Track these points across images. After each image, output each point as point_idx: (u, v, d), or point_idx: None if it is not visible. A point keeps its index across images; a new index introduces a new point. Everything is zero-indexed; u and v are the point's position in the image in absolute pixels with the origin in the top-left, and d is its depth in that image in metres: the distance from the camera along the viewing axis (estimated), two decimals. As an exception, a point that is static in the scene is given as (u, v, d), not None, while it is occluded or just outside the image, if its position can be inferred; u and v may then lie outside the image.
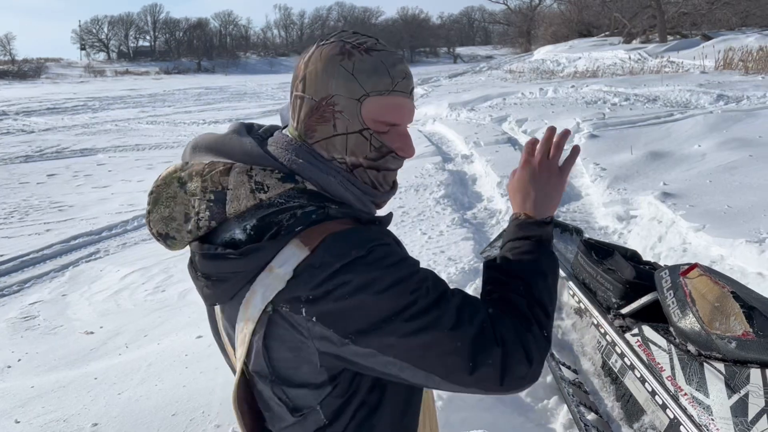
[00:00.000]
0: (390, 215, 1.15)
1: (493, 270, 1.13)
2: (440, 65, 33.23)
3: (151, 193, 1.09)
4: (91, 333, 4.62)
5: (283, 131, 1.12)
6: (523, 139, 10.48)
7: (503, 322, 1.00)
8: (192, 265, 1.07)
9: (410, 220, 6.52)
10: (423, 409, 1.22)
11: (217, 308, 1.13)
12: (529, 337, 1.00)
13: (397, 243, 1.07)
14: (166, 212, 1.06)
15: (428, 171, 8.62)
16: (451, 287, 1.03)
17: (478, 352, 0.96)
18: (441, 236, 5.96)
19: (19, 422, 3.28)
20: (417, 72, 26.39)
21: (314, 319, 0.93)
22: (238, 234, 1.00)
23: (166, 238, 1.08)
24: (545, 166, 1.19)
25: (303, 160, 1.05)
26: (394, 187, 1.16)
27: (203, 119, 18.96)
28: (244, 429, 1.15)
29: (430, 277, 1.01)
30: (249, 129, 1.15)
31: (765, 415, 1.76)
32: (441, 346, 0.95)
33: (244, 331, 1.01)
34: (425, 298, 0.96)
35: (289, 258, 0.95)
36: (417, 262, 1.01)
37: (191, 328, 4.42)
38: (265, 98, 26.30)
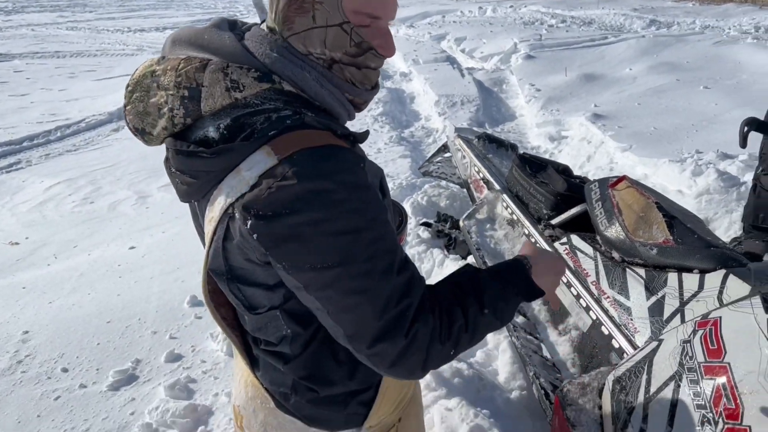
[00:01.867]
0: (366, 133, 1.11)
1: (469, 278, 1.07)
2: (378, -21, 32.12)
3: (128, 86, 1.05)
4: (17, 244, 4.48)
5: (261, 25, 1.08)
6: (462, 58, 10.45)
7: (427, 320, 0.97)
8: (167, 161, 1.06)
9: (347, 136, 6.48)
10: None
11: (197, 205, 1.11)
12: (438, 348, 0.98)
13: (373, 197, 0.99)
14: (141, 107, 1.03)
15: (366, 87, 8.51)
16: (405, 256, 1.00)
17: (385, 334, 0.94)
18: (379, 153, 5.98)
19: (-55, 332, 3.20)
20: (355, -15, 25.57)
21: (255, 236, 0.92)
22: (212, 132, 0.97)
23: (143, 134, 1.05)
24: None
25: (277, 54, 1.01)
26: (375, 87, 1.12)
27: (128, 26, 17.90)
28: (222, 322, 1.17)
29: (387, 239, 0.96)
30: (232, 26, 1.10)
31: (678, 314, 1.90)
32: (359, 312, 0.93)
33: (208, 229, 1.01)
34: (368, 262, 0.93)
35: (258, 163, 0.93)
36: (381, 212, 0.97)
37: (123, 239, 4.35)
38: (195, 6, 24.96)
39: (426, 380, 2.40)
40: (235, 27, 1.10)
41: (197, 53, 1.02)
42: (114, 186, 5.66)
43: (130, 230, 4.55)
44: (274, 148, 0.93)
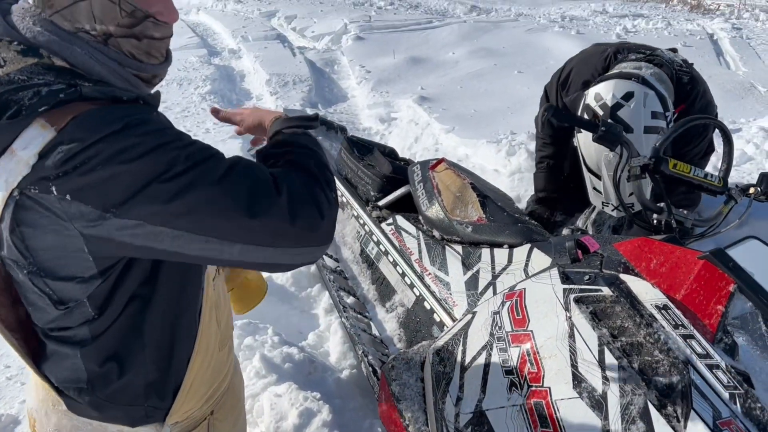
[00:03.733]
0: (158, 94, 1.05)
1: (272, 147, 1.12)
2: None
3: None
4: None
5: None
6: (293, 37, 10.34)
7: (289, 176, 0.98)
8: None
9: (173, 116, 6.16)
10: (210, 307, 1.20)
11: None
12: (318, 191, 0.99)
13: (168, 125, 0.97)
14: None
15: (192, 64, 8.14)
16: None
17: (256, 202, 0.92)
18: (207, 134, 5.75)
19: None
20: (179, -45, 24.19)
21: (68, 197, 0.85)
22: None
23: None
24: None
25: (41, 28, 0.93)
26: (167, 59, 1.05)
27: None
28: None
29: (198, 142, 0.94)
30: None
31: (491, 288, 2.04)
32: (212, 204, 0.90)
33: None
34: (189, 159, 0.90)
35: (33, 140, 0.85)
36: (185, 135, 0.94)
37: None
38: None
39: (255, 367, 2.37)
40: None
41: None
42: None
43: None
44: (48, 120, 0.86)
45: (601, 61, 2.50)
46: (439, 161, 2.60)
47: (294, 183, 0.98)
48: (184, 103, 6.63)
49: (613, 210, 2.21)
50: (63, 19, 0.94)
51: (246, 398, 1.99)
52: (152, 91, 1.07)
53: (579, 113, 2.22)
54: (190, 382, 1.17)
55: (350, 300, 2.63)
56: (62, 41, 0.93)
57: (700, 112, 2.33)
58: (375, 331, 2.43)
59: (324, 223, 0.98)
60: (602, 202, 2.22)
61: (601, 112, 2.09)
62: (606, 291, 1.41)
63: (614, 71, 2.28)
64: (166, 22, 1.00)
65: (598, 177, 2.16)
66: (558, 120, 1.88)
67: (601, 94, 2.12)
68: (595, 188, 2.22)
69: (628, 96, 2.07)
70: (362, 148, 3.18)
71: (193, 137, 0.95)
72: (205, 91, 7.05)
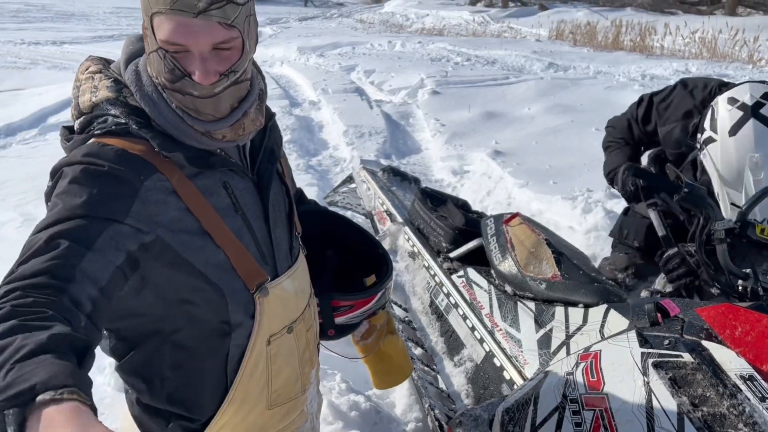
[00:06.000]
0: (206, 154, 1.15)
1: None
2: (290, 6, 32.20)
3: None
4: None
5: None
6: (371, 90, 10.62)
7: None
8: None
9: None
10: (256, 364, 1.23)
11: None
12: None
13: (129, 171, 1.06)
14: None
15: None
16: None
17: None
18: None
19: None
20: (266, 11, 25.42)
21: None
22: (76, 124, 1.13)
23: None
24: None
25: (127, 70, 1.13)
26: (223, 118, 1.10)
27: (22, 39, 16.95)
28: None
29: (61, 223, 0.99)
30: None
31: (564, 347, 2.00)
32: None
33: None
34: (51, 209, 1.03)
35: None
36: (79, 200, 1.00)
37: (3, 264, 4.05)
38: (96, 21, 24.03)
39: (323, 413, 2.38)
40: None
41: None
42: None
43: (14, 255, 4.25)
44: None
45: (705, 92, 2.39)
46: (514, 215, 2.59)
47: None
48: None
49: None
50: (148, 64, 1.10)
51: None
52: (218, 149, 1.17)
53: (702, 126, 2.05)
54: (217, 429, 1.21)
55: (418, 351, 2.62)
56: (139, 81, 1.11)
57: None
58: (442, 385, 2.40)
59: None
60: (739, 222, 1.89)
61: (739, 114, 1.91)
62: (687, 357, 1.36)
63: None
64: (198, 82, 1.05)
65: (737, 190, 1.92)
66: (638, 178, 1.85)
67: (735, 97, 1.98)
68: (733, 203, 1.94)
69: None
70: (435, 199, 3.21)
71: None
72: (286, 140, 7.29)
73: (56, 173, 1.05)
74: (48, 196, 1.06)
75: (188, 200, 1.09)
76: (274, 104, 8.93)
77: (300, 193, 1.72)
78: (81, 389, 0.71)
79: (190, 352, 1.17)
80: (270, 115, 1.30)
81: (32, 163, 6.41)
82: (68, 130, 1.15)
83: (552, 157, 6.20)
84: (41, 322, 0.82)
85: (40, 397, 0.68)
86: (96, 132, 1.07)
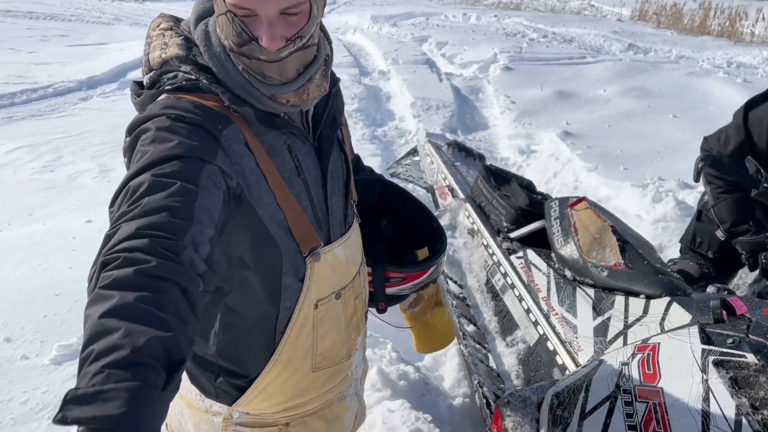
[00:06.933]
0: (270, 114, 1.14)
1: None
2: (367, -26, 32.01)
3: None
4: (-31, 207, 4.37)
5: None
6: (442, 63, 10.50)
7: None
8: None
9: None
10: (302, 327, 1.24)
11: None
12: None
13: (209, 133, 1.05)
14: None
15: (344, 83, 8.48)
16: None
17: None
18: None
19: None
20: (342, -23, 25.44)
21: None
22: (146, 79, 1.15)
23: None
24: None
25: (197, 29, 1.14)
26: (289, 82, 1.11)
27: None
28: None
29: (149, 187, 0.95)
30: None
31: (621, 337, 1.96)
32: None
33: None
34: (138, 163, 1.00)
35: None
36: (164, 164, 0.98)
37: (80, 211, 4.27)
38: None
39: (372, 380, 2.42)
40: None
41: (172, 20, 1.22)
42: (76, 156, 5.54)
43: (89, 203, 4.46)
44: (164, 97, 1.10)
45: None
46: (580, 199, 2.53)
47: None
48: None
49: None
50: (216, 24, 1.10)
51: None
52: (282, 112, 1.16)
53: None
54: (262, 387, 1.24)
55: (470, 328, 2.62)
56: (208, 40, 1.12)
57: None
58: (492, 363, 2.40)
59: None
60: None
61: None
62: (751, 358, 1.31)
63: None
64: (265, 47, 1.05)
65: None
66: (715, 170, 1.77)
67: None
68: None
69: None
70: (499, 177, 3.17)
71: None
72: (353, 108, 7.33)
73: (135, 128, 1.06)
74: (128, 150, 1.06)
75: (258, 156, 1.12)
76: (344, 72, 8.97)
77: (357, 159, 1.72)
78: None
79: (241, 313, 1.20)
80: (334, 81, 1.30)
81: (111, 116, 6.67)
82: (138, 85, 1.17)
83: (624, 142, 6.00)
84: (152, 309, 0.83)
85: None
86: (167, 87, 1.09)
